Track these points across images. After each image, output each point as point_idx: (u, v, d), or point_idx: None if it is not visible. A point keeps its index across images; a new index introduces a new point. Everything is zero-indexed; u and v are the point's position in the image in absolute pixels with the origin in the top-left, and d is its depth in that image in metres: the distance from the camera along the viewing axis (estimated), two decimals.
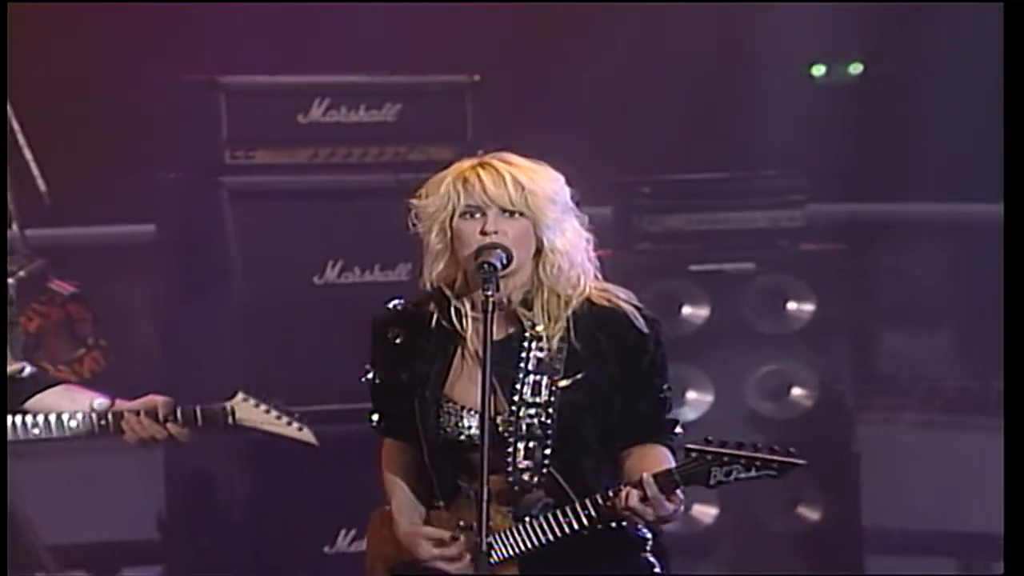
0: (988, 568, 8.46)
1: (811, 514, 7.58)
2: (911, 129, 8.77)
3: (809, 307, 7.63)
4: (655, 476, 4.56)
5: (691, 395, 7.53)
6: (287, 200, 7.19)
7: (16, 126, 7.42)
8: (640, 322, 4.63)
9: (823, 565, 7.71)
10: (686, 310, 7.63)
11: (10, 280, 7.12)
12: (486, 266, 4.59)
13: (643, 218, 7.79)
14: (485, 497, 4.53)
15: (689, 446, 4.63)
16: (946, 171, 8.73)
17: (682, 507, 4.68)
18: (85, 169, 7.99)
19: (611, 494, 4.48)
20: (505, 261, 4.59)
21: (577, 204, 4.68)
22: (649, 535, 4.71)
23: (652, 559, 4.70)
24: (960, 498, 8.28)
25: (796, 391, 7.62)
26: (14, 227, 7.31)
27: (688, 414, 7.41)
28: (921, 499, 8.26)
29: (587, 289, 4.66)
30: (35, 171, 7.30)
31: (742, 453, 4.64)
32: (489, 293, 4.63)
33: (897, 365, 9.09)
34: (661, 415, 4.67)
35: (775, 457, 4.61)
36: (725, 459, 4.54)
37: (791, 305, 7.67)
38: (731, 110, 8.62)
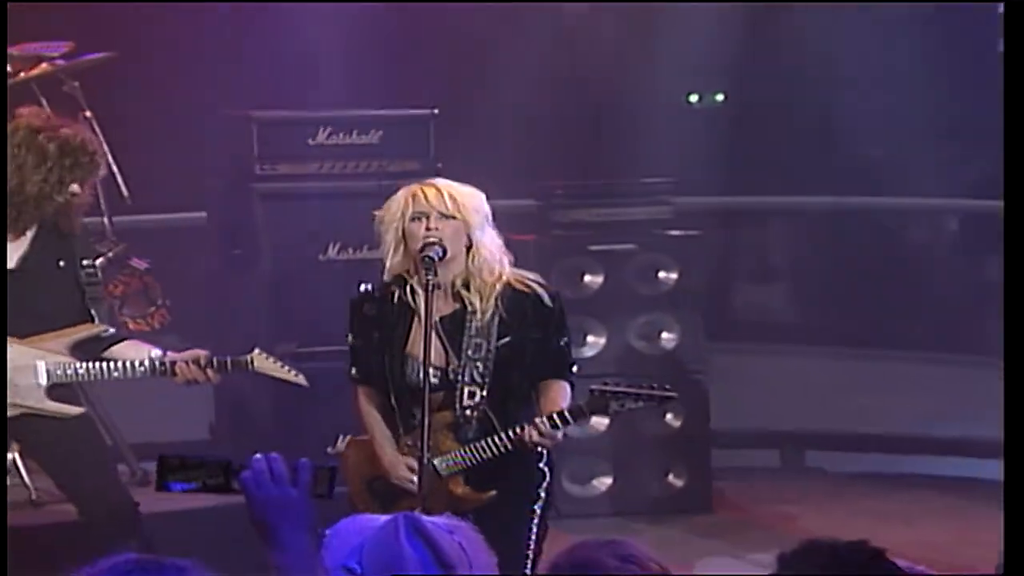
0: (800, 456, 9.63)
1: (675, 422, 8.46)
2: (758, 141, 9.87)
3: (674, 275, 8.55)
4: (568, 410, 5.53)
5: (590, 339, 8.40)
6: (301, 200, 8.01)
7: (105, 145, 7.37)
8: (547, 299, 5.59)
9: (684, 457, 8.57)
10: (587, 278, 8.52)
11: (99, 259, 7.33)
12: (427, 259, 5.40)
13: (557, 211, 8.70)
14: (427, 422, 5.38)
15: (593, 387, 5.65)
16: (783, 171, 9.89)
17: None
18: (157, 174, 8.62)
19: (519, 430, 5.42)
20: (441, 254, 5.42)
21: (493, 217, 5.58)
22: (544, 451, 5.61)
23: (545, 468, 5.67)
24: (782, 406, 9.25)
25: (665, 335, 8.52)
26: (103, 218, 7.92)
27: (588, 352, 8.28)
28: (754, 408, 9.17)
29: (506, 277, 5.52)
30: (119, 179, 7.97)
31: (632, 390, 5.68)
32: (429, 278, 5.40)
33: (742, 313, 10.27)
34: (564, 359, 5.65)
35: (655, 392, 5.67)
36: (620, 395, 5.65)
37: (661, 274, 8.56)
38: (628, 129, 9.55)
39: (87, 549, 5.53)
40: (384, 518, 3.72)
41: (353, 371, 5.77)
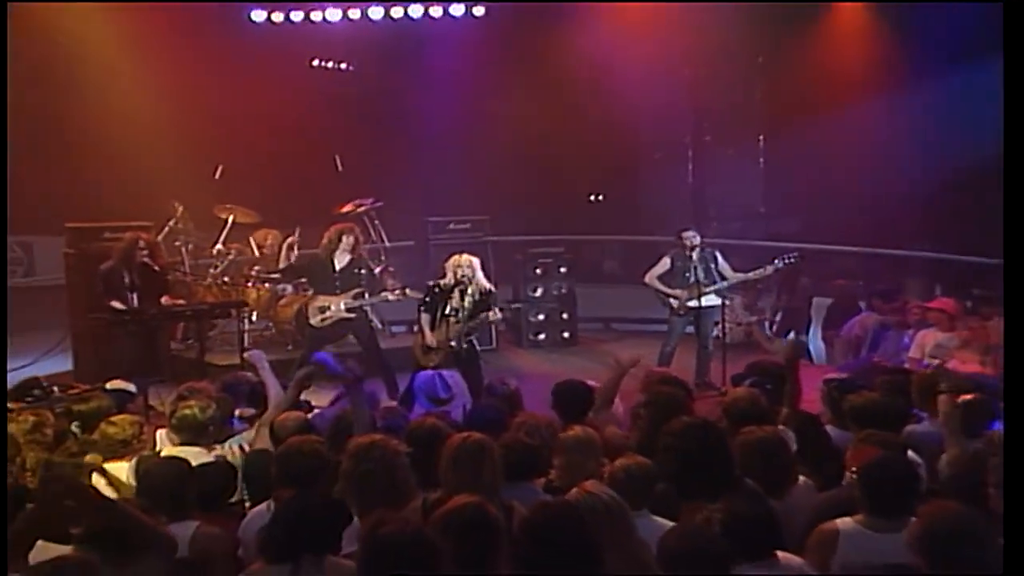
0: (610, 326, 15.79)
1: (566, 316, 15.14)
2: (615, 216, 17.05)
3: (565, 269, 15.17)
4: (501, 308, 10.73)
5: (538, 291, 15.01)
6: (446, 247, 12.65)
7: (382, 230, 14.60)
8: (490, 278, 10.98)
9: (569, 327, 14.85)
10: (536, 271, 14.91)
11: (376, 269, 12.76)
12: (463, 276, 10.65)
13: (527, 248, 15.15)
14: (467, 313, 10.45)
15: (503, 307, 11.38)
16: (619, 225, 17.19)
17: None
18: (397, 232, 14.89)
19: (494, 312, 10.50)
20: (470, 275, 10.61)
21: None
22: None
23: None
24: (606, 305, 15.40)
25: (562, 289, 15.14)
26: (380, 250, 13.96)
27: (537, 295, 14.79)
28: (595, 306, 15.30)
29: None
30: (383, 235, 14.71)
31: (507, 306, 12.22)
32: (464, 281, 10.56)
33: (604, 270, 17.37)
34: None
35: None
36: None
37: (561, 269, 15.22)
38: (560, 213, 17.08)
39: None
40: (432, 372, 8.01)
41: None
